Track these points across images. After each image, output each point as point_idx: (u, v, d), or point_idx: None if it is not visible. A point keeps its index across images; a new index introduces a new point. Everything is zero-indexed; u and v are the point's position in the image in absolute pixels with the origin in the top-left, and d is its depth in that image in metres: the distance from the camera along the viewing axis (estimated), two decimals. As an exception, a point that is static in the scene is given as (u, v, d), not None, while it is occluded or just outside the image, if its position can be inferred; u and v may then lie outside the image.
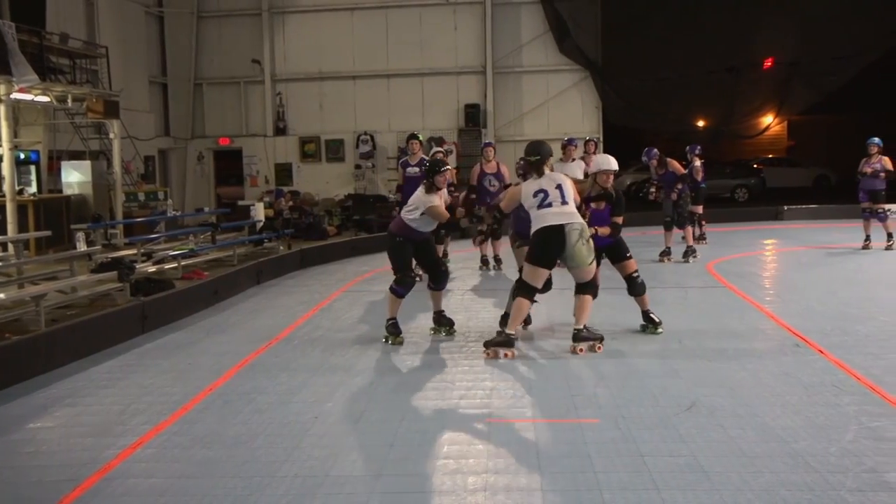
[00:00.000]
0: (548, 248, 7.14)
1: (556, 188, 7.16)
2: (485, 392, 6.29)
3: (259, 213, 17.02)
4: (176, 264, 12.41)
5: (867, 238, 13.91)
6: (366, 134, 22.29)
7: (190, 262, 12.96)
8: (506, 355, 7.20)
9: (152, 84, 22.05)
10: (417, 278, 11.76)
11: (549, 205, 7.11)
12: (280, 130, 23.02)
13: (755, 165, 30.12)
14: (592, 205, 7.95)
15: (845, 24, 20.71)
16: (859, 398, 5.82)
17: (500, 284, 11.32)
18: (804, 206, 20.94)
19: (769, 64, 21.71)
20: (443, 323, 8.32)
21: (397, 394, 6.30)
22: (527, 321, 8.13)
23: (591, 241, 7.19)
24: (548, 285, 7.68)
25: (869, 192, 13.86)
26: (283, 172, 22.93)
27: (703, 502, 4.24)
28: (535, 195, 7.17)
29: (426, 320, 9.07)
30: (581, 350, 7.31)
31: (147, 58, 21.67)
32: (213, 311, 10.04)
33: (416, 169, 11.67)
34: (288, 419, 5.75)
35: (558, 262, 7.31)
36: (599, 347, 7.38)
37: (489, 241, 12.83)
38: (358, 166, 22.40)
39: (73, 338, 7.72)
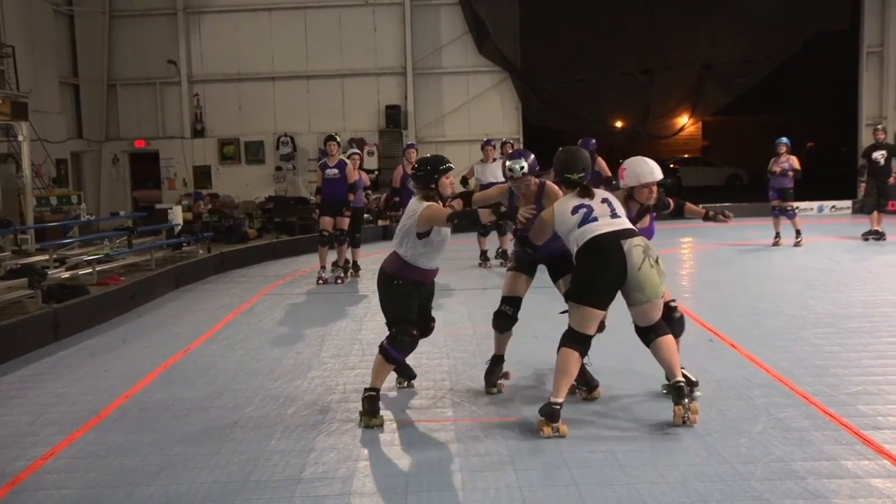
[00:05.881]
0: (604, 270, 5.27)
1: (603, 202, 5.50)
2: (405, 393, 6.30)
3: (177, 216, 16.66)
4: (91, 270, 12.08)
5: (777, 235, 14.36)
6: (286, 136, 22.06)
7: (105, 267, 12.62)
8: (556, 429, 5.23)
9: (63, 85, 21.37)
10: (319, 281, 11.78)
11: (595, 219, 5.39)
12: (198, 132, 22.59)
13: (672, 165, 30.81)
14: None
15: (755, 28, 21.37)
16: (768, 390, 6.01)
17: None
18: (718, 205, 21.47)
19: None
20: (404, 373, 6.49)
21: (318, 398, 6.26)
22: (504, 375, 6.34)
23: (660, 262, 5.37)
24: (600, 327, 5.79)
25: (778, 191, 14.33)
26: (202, 175, 22.49)
27: (621, 496, 4.33)
28: (573, 213, 5.44)
29: (346, 322, 9.06)
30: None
31: (57, 58, 20.95)
32: (131, 317, 9.83)
33: (335, 171, 11.62)
34: (206, 425, 5.66)
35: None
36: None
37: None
38: (278, 168, 22.15)
39: (-19, 347, 7.47)
